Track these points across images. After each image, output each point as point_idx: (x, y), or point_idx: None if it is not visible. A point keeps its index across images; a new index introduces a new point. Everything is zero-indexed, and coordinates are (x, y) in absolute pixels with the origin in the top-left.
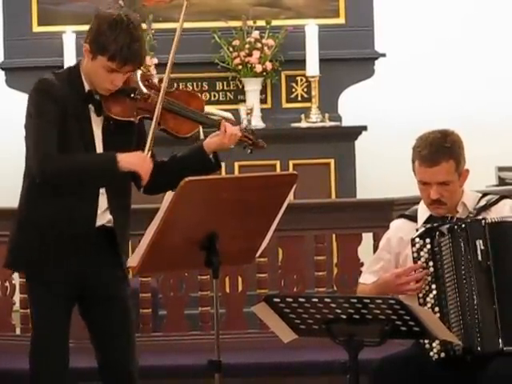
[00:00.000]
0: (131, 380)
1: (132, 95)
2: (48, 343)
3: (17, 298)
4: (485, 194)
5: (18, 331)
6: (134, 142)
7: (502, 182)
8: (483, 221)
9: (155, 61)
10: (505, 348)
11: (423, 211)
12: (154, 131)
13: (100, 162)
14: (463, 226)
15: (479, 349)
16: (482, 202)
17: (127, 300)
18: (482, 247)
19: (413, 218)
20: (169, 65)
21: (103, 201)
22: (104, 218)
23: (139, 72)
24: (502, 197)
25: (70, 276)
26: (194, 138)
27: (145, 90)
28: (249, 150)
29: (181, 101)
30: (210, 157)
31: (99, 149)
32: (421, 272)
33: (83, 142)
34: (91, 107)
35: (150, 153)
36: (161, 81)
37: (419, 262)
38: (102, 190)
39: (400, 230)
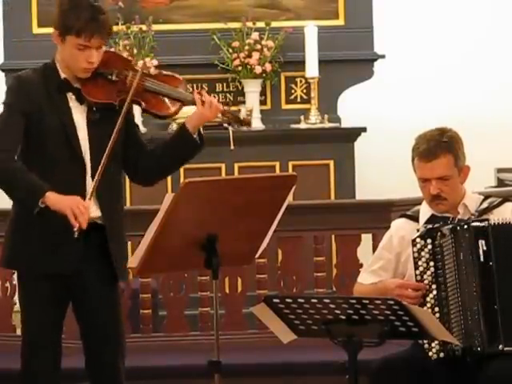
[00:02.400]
0: (116, 377)
1: (109, 77)
2: (37, 343)
3: (17, 298)
4: (487, 197)
5: (18, 332)
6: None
7: (501, 183)
8: (486, 222)
9: (155, 62)
10: (505, 348)
11: (425, 211)
12: (124, 113)
13: (29, 187)
14: (466, 226)
15: (479, 349)
16: (484, 205)
17: (116, 301)
18: (485, 248)
19: (414, 217)
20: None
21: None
22: (96, 213)
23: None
24: (505, 200)
25: (59, 272)
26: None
27: (122, 71)
28: (236, 126)
29: (162, 81)
30: (192, 134)
31: (83, 139)
32: (422, 291)
33: (65, 135)
34: (72, 97)
35: (91, 198)
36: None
37: (420, 262)
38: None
39: (401, 230)
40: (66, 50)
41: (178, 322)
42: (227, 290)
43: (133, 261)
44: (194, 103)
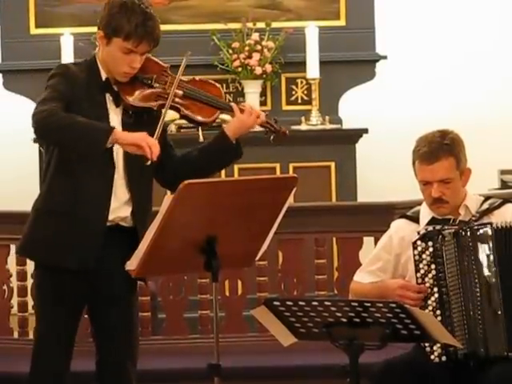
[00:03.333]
0: (127, 379)
1: (149, 82)
2: (49, 343)
3: (15, 301)
4: (487, 198)
5: (15, 335)
6: (150, 134)
7: (504, 185)
8: (489, 225)
9: None
10: (510, 353)
11: (425, 213)
12: (164, 117)
13: (97, 126)
14: (468, 229)
15: (483, 353)
16: (485, 206)
17: (133, 301)
18: (488, 252)
19: (414, 219)
20: (184, 62)
21: (123, 192)
22: (121, 211)
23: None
24: (505, 201)
25: (78, 268)
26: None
27: (161, 77)
28: (272, 136)
29: (198, 87)
30: (231, 140)
31: None
32: (424, 294)
33: None
34: (109, 97)
35: (158, 138)
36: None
37: (421, 265)
38: (122, 182)
39: (401, 230)
40: (110, 51)
41: (177, 325)
42: (227, 293)
43: (131, 263)
44: (232, 111)
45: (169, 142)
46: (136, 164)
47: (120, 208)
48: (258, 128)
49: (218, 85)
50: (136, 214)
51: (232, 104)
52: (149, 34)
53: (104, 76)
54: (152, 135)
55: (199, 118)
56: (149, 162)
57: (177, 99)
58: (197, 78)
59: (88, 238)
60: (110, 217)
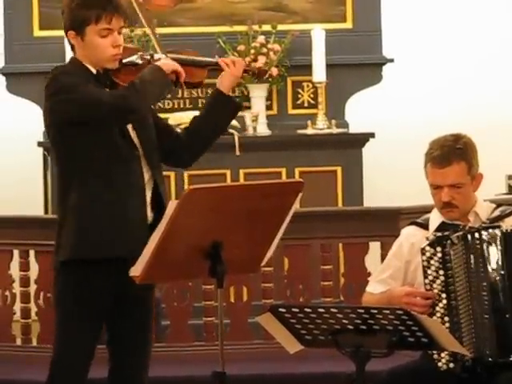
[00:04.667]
0: None
1: (136, 62)
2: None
3: (17, 307)
4: (499, 205)
5: (18, 342)
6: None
7: (511, 190)
8: (497, 229)
9: None
10: None
11: (435, 219)
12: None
13: (153, 73)
14: (476, 234)
15: (491, 359)
16: (496, 213)
17: (152, 309)
18: (496, 256)
19: (424, 225)
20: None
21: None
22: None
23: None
24: None
25: (130, 256)
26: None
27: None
28: (256, 80)
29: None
30: (228, 95)
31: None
32: (431, 300)
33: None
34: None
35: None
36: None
37: (429, 271)
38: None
39: (411, 237)
40: (88, 43)
41: (181, 332)
42: (232, 299)
43: (136, 269)
44: (219, 65)
45: (167, 123)
46: (153, 152)
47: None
48: (260, 132)
49: (191, 51)
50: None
51: (217, 59)
52: (116, 8)
53: (94, 70)
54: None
55: (193, 79)
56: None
57: None
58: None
59: (135, 225)
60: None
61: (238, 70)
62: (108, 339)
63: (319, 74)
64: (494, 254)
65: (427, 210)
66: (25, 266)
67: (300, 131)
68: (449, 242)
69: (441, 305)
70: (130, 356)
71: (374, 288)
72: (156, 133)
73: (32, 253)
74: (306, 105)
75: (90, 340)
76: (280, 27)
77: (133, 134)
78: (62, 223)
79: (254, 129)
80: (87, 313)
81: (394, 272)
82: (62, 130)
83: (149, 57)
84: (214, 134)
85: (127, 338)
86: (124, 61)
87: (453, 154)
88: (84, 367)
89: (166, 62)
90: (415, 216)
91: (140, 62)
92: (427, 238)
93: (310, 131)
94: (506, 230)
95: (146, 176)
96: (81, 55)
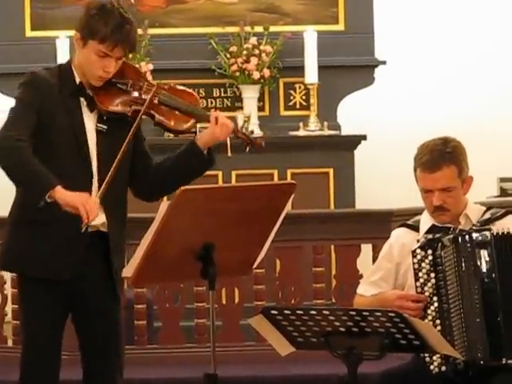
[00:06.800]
0: None
1: (124, 87)
2: (38, 353)
3: (9, 308)
4: (489, 208)
5: (10, 343)
6: (125, 139)
7: (503, 192)
8: (488, 232)
9: (151, 67)
10: (508, 361)
11: (425, 221)
12: (136, 125)
13: (39, 178)
14: (467, 237)
15: (482, 362)
16: (487, 215)
17: (117, 313)
18: (487, 259)
19: (415, 227)
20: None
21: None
22: (99, 220)
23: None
24: (508, 212)
25: (58, 278)
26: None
27: (137, 83)
28: (247, 149)
29: (174, 94)
30: (202, 151)
31: (92, 145)
32: (423, 303)
33: (75, 137)
34: (83, 102)
35: (100, 197)
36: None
37: (420, 274)
38: (96, 187)
39: (402, 239)
40: (85, 54)
41: (173, 334)
42: (224, 301)
43: (127, 270)
44: (207, 121)
45: (145, 150)
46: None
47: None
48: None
49: (194, 93)
50: (109, 223)
51: (209, 113)
52: (124, 39)
53: (78, 80)
54: (123, 141)
55: (174, 127)
56: (82, 229)
57: (151, 106)
58: (174, 85)
59: (71, 246)
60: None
61: (222, 134)
62: (79, 342)
63: (311, 75)
64: (485, 257)
65: (419, 211)
66: None
67: (292, 133)
68: (440, 244)
69: (432, 308)
70: (99, 361)
71: (365, 290)
72: (133, 156)
73: None
74: (298, 106)
75: (50, 345)
76: (272, 29)
77: (93, 150)
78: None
79: (246, 130)
80: (38, 322)
81: (384, 274)
82: None
83: (138, 88)
84: (178, 181)
85: (92, 347)
86: (113, 80)
87: (443, 158)
88: (50, 370)
89: (69, 197)
90: (407, 218)
91: (129, 89)
92: (418, 241)
93: (301, 133)
94: (497, 233)
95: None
96: (76, 60)
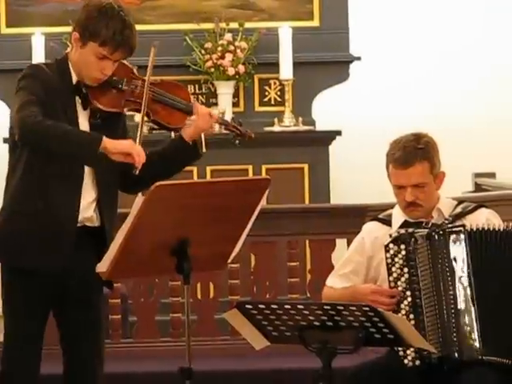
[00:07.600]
0: (94, 376)
1: (119, 86)
2: (19, 346)
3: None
4: (461, 202)
5: (0, 337)
6: (119, 138)
7: (478, 188)
8: (461, 228)
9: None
10: (484, 357)
11: (398, 216)
12: (142, 122)
13: (85, 136)
14: (441, 232)
15: (457, 357)
16: (458, 209)
17: (100, 304)
18: (461, 254)
19: (387, 221)
20: (151, 56)
21: (89, 192)
22: (87, 212)
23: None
24: (479, 206)
25: (49, 271)
26: None
27: (131, 81)
28: (237, 141)
29: (167, 91)
30: (189, 144)
31: None
32: (397, 298)
33: None
34: (78, 100)
35: (140, 143)
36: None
37: (393, 269)
38: (89, 181)
39: (374, 232)
40: (84, 54)
41: (148, 328)
42: (199, 296)
43: (102, 265)
44: (192, 113)
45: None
46: (104, 163)
47: (86, 208)
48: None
49: (185, 88)
50: (103, 213)
51: (193, 105)
52: (125, 43)
53: (75, 79)
54: (115, 138)
55: (170, 124)
56: (137, 171)
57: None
58: (166, 80)
59: (59, 240)
60: (78, 217)
61: (204, 123)
62: (60, 334)
63: (286, 71)
64: (459, 253)
65: (393, 206)
66: None
67: (267, 128)
68: (413, 239)
69: (406, 302)
70: (82, 347)
71: (334, 282)
72: None
73: None
74: (272, 102)
75: (32, 338)
76: (247, 25)
77: None
78: None
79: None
80: (26, 313)
81: (355, 267)
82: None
83: (133, 86)
84: (163, 174)
85: (77, 333)
86: (108, 79)
87: (415, 154)
88: (31, 363)
89: (120, 144)
90: (382, 213)
91: (124, 88)
92: (390, 235)
93: (276, 128)
94: (470, 229)
95: (93, 196)
96: (73, 57)
